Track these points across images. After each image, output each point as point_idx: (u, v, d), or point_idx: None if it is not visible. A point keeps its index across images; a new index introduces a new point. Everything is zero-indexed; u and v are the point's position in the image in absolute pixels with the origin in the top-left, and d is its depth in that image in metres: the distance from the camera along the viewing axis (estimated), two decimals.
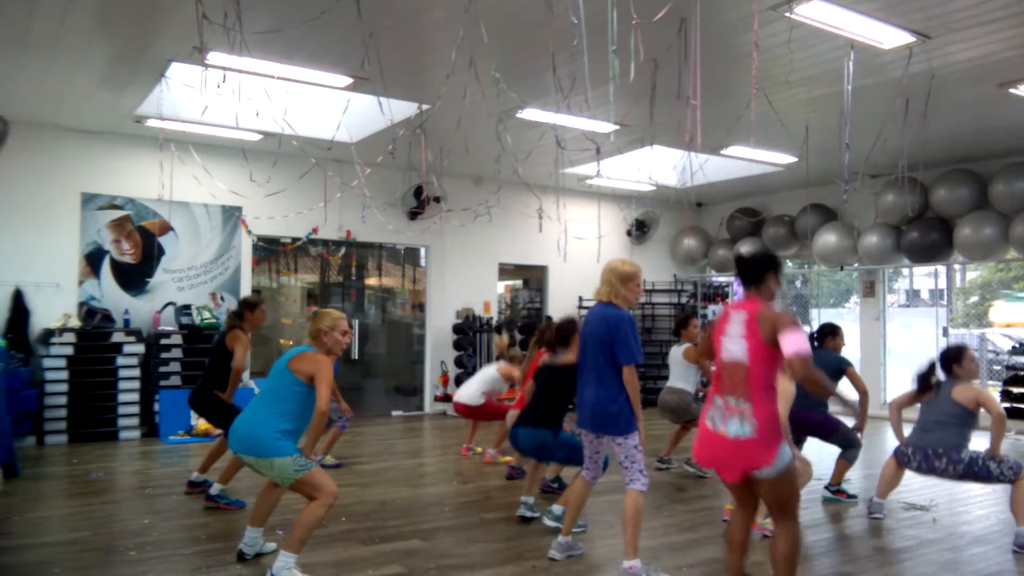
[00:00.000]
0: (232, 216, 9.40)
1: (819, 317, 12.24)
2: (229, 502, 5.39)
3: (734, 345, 3.36)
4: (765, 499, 3.39)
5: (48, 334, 8.05)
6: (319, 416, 3.88)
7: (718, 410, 3.36)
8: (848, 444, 5.81)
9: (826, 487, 5.95)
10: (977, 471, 4.83)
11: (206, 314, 8.91)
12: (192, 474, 5.84)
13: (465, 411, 7.27)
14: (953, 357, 5.13)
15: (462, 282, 11.08)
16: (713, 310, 12.15)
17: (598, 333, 4.12)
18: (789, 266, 12.84)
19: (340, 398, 6.36)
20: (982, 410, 4.94)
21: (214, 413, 5.66)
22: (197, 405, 5.73)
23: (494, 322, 10.91)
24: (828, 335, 6.08)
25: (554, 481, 5.87)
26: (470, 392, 7.20)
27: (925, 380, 5.18)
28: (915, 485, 6.03)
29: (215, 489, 5.41)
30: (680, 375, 6.75)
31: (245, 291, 9.41)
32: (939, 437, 4.94)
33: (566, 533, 4.37)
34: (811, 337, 6.03)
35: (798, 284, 16.26)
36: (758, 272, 3.44)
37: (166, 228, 9.02)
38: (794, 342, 3.13)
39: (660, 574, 4.03)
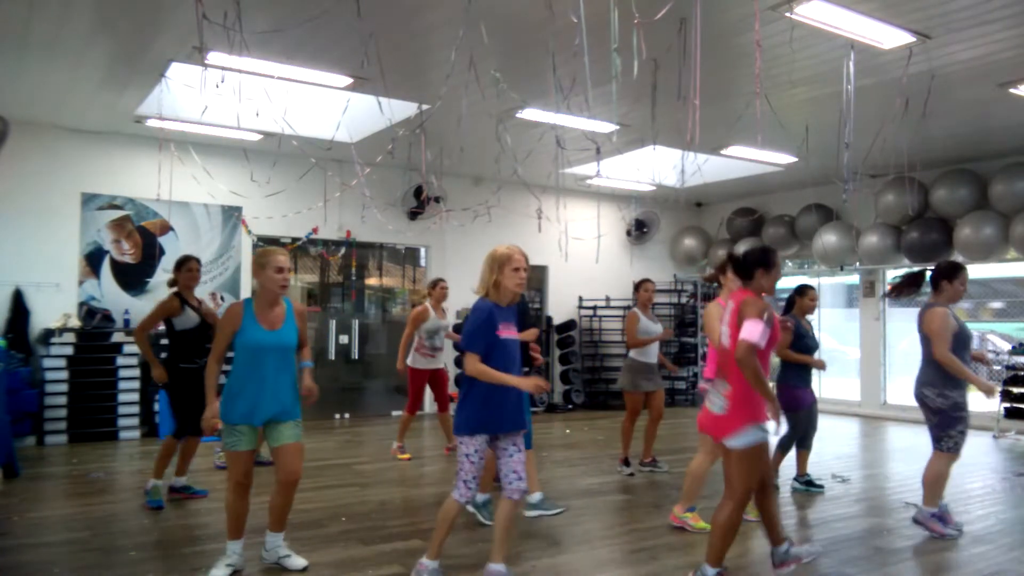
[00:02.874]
0: (232, 216, 9.40)
1: (819, 317, 12.21)
2: (194, 492, 5.61)
3: (724, 332, 3.77)
4: (727, 470, 3.71)
5: (48, 334, 8.06)
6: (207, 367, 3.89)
7: (711, 389, 3.83)
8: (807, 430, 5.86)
9: (795, 479, 6.04)
10: (947, 420, 4.71)
11: None
12: (172, 479, 5.65)
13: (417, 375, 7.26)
14: (945, 272, 4.74)
15: (462, 282, 11.01)
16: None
17: None
18: (788, 266, 12.82)
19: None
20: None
21: (174, 394, 5.43)
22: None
23: None
24: (795, 297, 5.87)
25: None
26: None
27: (913, 278, 4.85)
28: (915, 484, 6.02)
29: (179, 482, 5.60)
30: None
31: (245, 291, 9.40)
32: (927, 378, 4.77)
33: (497, 560, 3.70)
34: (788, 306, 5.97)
35: None
36: (748, 269, 3.79)
37: (166, 228, 9.02)
38: (747, 330, 3.51)
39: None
